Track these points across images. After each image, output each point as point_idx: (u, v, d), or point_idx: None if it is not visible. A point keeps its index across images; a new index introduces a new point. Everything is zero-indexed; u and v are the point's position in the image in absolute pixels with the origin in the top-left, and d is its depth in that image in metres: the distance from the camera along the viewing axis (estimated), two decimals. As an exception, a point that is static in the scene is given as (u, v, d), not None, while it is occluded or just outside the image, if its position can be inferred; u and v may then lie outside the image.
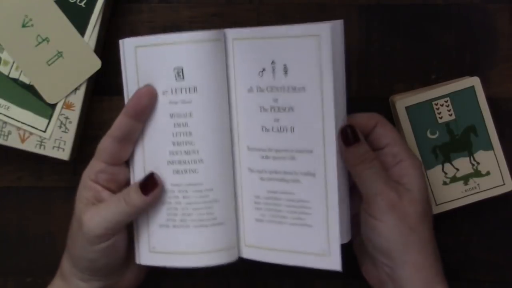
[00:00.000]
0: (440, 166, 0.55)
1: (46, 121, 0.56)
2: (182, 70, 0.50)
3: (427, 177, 0.55)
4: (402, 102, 0.55)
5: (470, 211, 0.57)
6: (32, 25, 0.55)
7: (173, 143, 0.51)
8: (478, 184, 0.55)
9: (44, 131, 0.56)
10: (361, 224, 0.51)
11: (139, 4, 0.58)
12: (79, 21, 0.55)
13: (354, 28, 0.57)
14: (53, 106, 0.56)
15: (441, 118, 0.55)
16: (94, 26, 0.55)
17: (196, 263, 0.51)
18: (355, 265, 0.55)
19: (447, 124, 0.55)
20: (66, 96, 0.56)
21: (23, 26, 0.55)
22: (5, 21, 0.55)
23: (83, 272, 0.52)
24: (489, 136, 0.55)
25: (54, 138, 0.56)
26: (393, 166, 0.50)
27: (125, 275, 0.54)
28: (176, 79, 0.50)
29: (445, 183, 0.55)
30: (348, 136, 0.49)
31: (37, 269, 0.60)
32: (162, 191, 0.51)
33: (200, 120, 0.50)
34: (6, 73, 0.56)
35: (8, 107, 0.56)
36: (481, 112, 0.55)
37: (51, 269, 0.55)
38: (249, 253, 0.52)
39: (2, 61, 0.56)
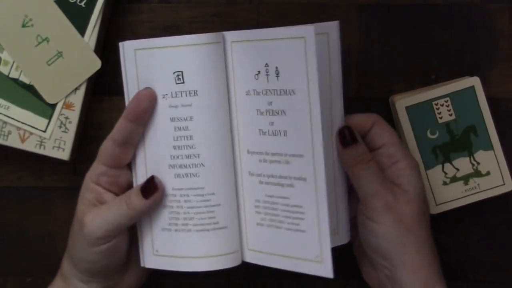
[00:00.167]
0: (440, 166, 0.55)
1: (46, 121, 0.56)
2: (182, 73, 0.50)
3: (427, 177, 0.55)
4: (402, 102, 0.55)
5: (470, 211, 0.57)
6: (32, 25, 0.55)
7: (174, 147, 0.51)
8: (478, 184, 0.55)
9: (44, 131, 0.56)
10: (359, 225, 0.51)
11: (139, 4, 0.58)
12: (79, 21, 0.55)
13: (354, 28, 0.57)
14: (53, 106, 0.56)
15: (441, 118, 0.55)
16: (94, 26, 0.55)
17: (200, 267, 0.51)
18: (355, 266, 0.55)
19: (447, 124, 0.55)
20: (66, 96, 0.56)
21: (23, 26, 0.55)
22: (5, 21, 0.55)
23: (83, 273, 0.52)
24: (489, 136, 0.55)
25: (54, 138, 0.56)
26: (389, 167, 0.50)
27: (125, 277, 0.54)
28: (176, 82, 0.50)
29: (445, 183, 0.55)
30: (345, 137, 0.49)
31: (37, 269, 0.60)
32: (163, 195, 0.51)
33: (200, 123, 0.50)
34: (6, 73, 0.56)
35: (8, 107, 0.56)
36: (481, 112, 0.55)
37: (51, 269, 0.55)
38: (252, 257, 0.52)
39: (2, 61, 0.56)
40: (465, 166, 0.55)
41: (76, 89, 0.56)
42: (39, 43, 0.56)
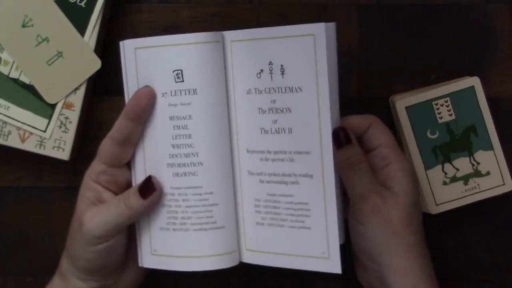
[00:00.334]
0: (440, 166, 0.55)
1: (46, 121, 0.56)
2: (181, 72, 0.50)
3: (427, 177, 0.55)
4: (402, 102, 0.55)
5: (470, 211, 0.57)
6: (32, 25, 0.55)
7: (173, 146, 0.51)
8: (478, 184, 0.55)
9: (44, 131, 0.56)
10: (349, 227, 0.51)
11: (139, 4, 0.58)
12: (79, 21, 0.55)
13: (354, 28, 0.57)
14: (53, 106, 0.56)
15: (441, 118, 0.55)
16: (94, 26, 0.55)
17: (197, 267, 0.51)
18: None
19: (447, 124, 0.55)
20: (66, 96, 0.56)
21: (23, 26, 0.55)
22: (5, 21, 0.55)
23: (81, 271, 0.52)
24: (489, 136, 0.55)
25: (54, 138, 0.56)
26: (382, 169, 0.50)
27: (124, 276, 0.54)
28: (175, 81, 0.50)
29: (445, 183, 0.55)
30: (339, 138, 0.49)
31: (37, 269, 0.60)
32: (161, 194, 0.51)
33: (199, 122, 0.50)
34: (6, 73, 0.56)
35: (8, 107, 0.56)
36: (481, 112, 0.55)
37: (51, 269, 0.55)
38: (249, 258, 0.52)
39: (2, 61, 0.56)
40: (465, 166, 0.55)
41: (76, 89, 0.56)
42: (39, 43, 0.56)
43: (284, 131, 0.50)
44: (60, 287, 0.53)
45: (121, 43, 0.51)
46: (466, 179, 0.55)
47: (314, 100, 0.48)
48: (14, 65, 0.56)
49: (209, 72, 0.50)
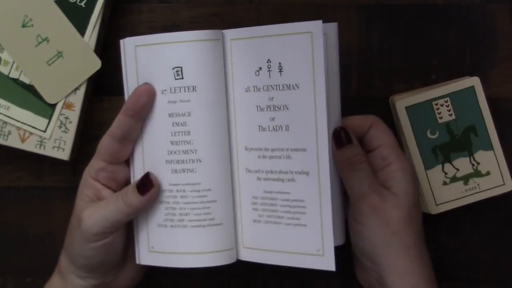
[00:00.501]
0: (440, 166, 0.55)
1: (46, 121, 0.56)
2: (181, 69, 0.50)
3: (427, 177, 0.55)
4: (402, 102, 0.55)
5: (470, 211, 0.57)
6: (32, 25, 0.55)
7: (172, 143, 0.51)
8: (478, 184, 0.55)
9: (44, 131, 0.56)
10: (349, 227, 0.51)
11: (139, 4, 0.58)
12: (79, 21, 0.55)
13: (354, 28, 0.57)
14: (53, 106, 0.56)
15: (441, 118, 0.55)
16: (94, 26, 0.55)
17: (194, 263, 0.51)
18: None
19: (447, 124, 0.55)
20: (66, 96, 0.56)
21: (23, 26, 0.55)
22: (5, 21, 0.55)
23: (79, 269, 0.52)
24: (489, 136, 0.55)
25: (54, 138, 0.56)
26: (382, 169, 0.50)
27: (122, 273, 0.54)
28: (175, 78, 0.50)
29: (445, 183, 0.55)
30: (340, 138, 0.49)
31: (37, 269, 0.60)
32: (159, 191, 0.51)
33: (198, 119, 0.50)
34: (6, 73, 0.56)
35: (8, 107, 0.56)
36: (481, 112, 0.55)
37: (51, 269, 0.55)
38: (246, 255, 0.52)
39: (2, 61, 0.56)
40: (465, 166, 0.55)
41: (76, 89, 0.56)
42: (39, 43, 0.56)
43: (282, 128, 0.50)
44: (59, 285, 0.53)
45: (121, 41, 0.51)
46: (466, 179, 0.55)
47: (311, 98, 0.48)
48: (14, 65, 0.56)
49: (209, 69, 0.50)
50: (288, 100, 0.49)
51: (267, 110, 0.50)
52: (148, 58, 0.50)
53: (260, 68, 0.50)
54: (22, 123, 0.56)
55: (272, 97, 0.50)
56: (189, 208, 0.51)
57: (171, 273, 0.53)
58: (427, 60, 0.57)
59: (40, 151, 0.56)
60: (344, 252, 0.52)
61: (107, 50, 0.58)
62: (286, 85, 0.49)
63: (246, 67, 0.50)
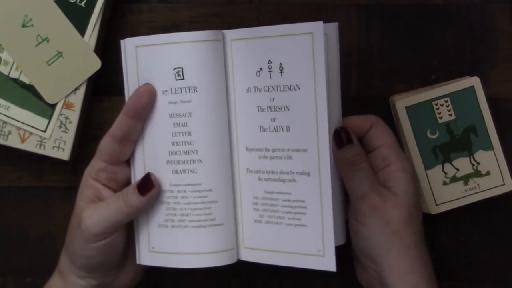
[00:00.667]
0: (440, 166, 0.55)
1: (46, 121, 0.56)
2: (182, 69, 0.50)
3: (427, 177, 0.55)
4: (402, 102, 0.55)
5: (470, 211, 0.57)
6: (32, 25, 0.55)
7: (172, 143, 0.51)
8: (478, 184, 0.55)
9: (44, 131, 0.56)
10: (349, 227, 0.51)
11: (139, 4, 0.58)
12: (79, 21, 0.55)
13: (354, 28, 0.57)
14: (53, 106, 0.56)
15: (441, 118, 0.55)
16: (94, 26, 0.55)
17: (195, 264, 0.51)
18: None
19: (447, 124, 0.55)
20: (66, 96, 0.56)
21: (23, 26, 0.55)
22: (5, 21, 0.55)
23: (80, 269, 0.52)
24: (489, 136, 0.55)
25: (54, 138, 0.56)
26: (382, 169, 0.50)
27: (122, 273, 0.54)
28: (176, 78, 0.50)
29: (445, 183, 0.55)
30: (340, 138, 0.49)
31: (37, 269, 0.60)
32: (160, 191, 0.51)
33: (199, 120, 0.50)
34: (6, 73, 0.56)
35: (8, 107, 0.56)
36: (481, 112, 0.55)
37: (51, 269, 0.55)
38: (247, 255, 0.52)
39: (2, 61, 0.56)
40: (465, 166, 0.55)
41: (76, 89, 0.56)
42: (39, 43, 0.56)
43: (282, 129, 0.50)
44: (59, 285, 0.53)
45: (122, 41, 0.51)
46: (466, 179, 0.55)
47: (311, 98, 0.48)
48: (14, 65, 0.56)
49: (210, 70, 0.50)
50: (289, 100, 0.49)
51: (268, 111, 0.50)
52: (148, 58, 0.50)
53: (261, 69, 0.50)
54: (22, 123, 0.56)
55: (273, 98, 0.50)
56: (190, 209, 0.51)
57: (172, 273, 0.53)
58: (427, 60, 0.57)
59: (40, 151, 0.56)
60: (344, 252, 0.52)
61: (107, 50, 0.58)
62: (287, 85, 0.49)
63: (247, 67, 0.50)
